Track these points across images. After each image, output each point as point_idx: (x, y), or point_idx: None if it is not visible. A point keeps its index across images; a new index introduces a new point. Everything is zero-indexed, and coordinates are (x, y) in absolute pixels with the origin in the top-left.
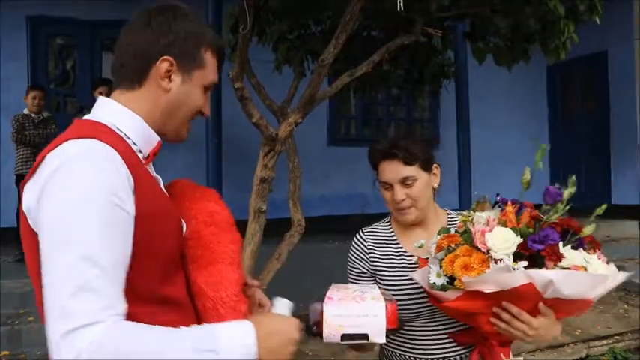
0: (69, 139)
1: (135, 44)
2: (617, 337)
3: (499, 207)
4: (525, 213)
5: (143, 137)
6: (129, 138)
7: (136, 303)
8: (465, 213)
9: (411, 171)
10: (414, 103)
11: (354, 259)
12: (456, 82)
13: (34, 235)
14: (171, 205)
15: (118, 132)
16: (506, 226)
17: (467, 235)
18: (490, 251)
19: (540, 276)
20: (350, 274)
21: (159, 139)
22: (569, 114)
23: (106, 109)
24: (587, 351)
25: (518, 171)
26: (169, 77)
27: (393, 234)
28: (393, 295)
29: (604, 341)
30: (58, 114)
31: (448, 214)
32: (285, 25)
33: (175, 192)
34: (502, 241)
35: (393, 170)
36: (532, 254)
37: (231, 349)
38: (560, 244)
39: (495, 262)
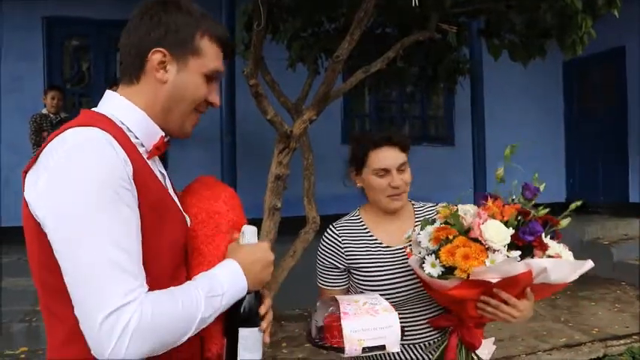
0: (70, 128)
1: (130, 41)
2: (636, 336)
3: (482, 202)
4: (510, 207)
5: (146, 131)
6: (131, 131)
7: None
8: (443, 204)
9: (405, 157)
10: (429, 101)
11: (327, 255)
12: (470, 79)
13: (37, 224)
14: (172, 199)
15: (121, 125)
16: (495, 219)
17: (459, 227)
18: (487, 242)
19: (537, 265)
20: (321, 269)
21: (162, 133)
22: (586, 111)
23: (110, 103)
24: (605, 350)
25: (533, 168)
26: (164, 68)
27: (364, 226)
28: (373, 286)
29: (622, 341)
30: (73, 114)
31: (413, 203)
32: (298, 23)
33: (191, 189)
34: (497, 232)
35: (392, 156)
36: (522, 244)
37: (230, 288)
38: (542, 235)
39: (493, 252)
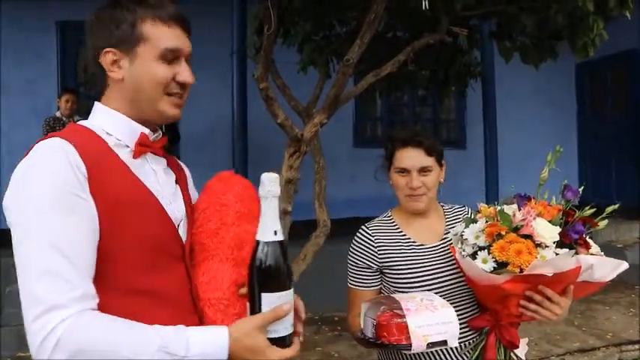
0: (40, 141)
1: (85, 55)
2: None
3: (523, 202)
4: (553, 208)
5: (126, 131)
6: (110, 135)
7: (106, 293)
8: (484, 205)
9: (430, 161)
10: (440, 104)
11: (360, 255)
12: (482, 81)
13: None
14: (149, 196)
15: (101, 131)
16: (543, 217)
17: (508, 224)
18: (539, 238)
19: (585, 261)
20: (354, 270)
21: (143, 130)
22: (599, 113)
23: (94, 113)
24: (620, 355)
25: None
26: (119, 66)
27: (397, 226)
28: (408, 284)
29: (637, 346)
30: (86, 117)
31: (442, 205)
32: (309, 26)
33: (206, 185)
34: (547, 229)
35: (415, 157)
36: (567, 242)
37: (200, 357)
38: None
39: (543, 249)
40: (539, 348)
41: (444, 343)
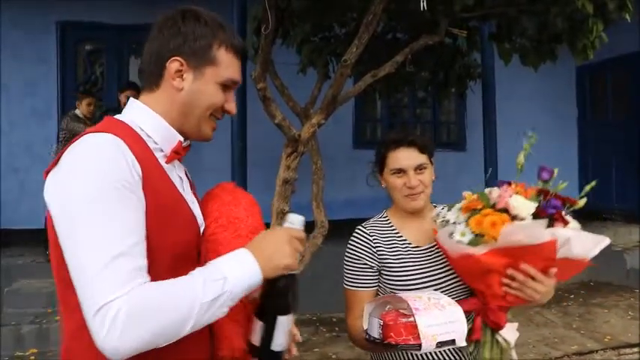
0: (89, 133)
1: (150, 49)
2: None
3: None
4: (531, 189)
5: (164, 135)
6: (149, 137)
7: None
8: (468, 192)
9: (424, 159)
10: (440, 106)
11: (360, 255)
12: (482, 84)
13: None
14: (184, 203)
15: (140, 131)
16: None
17: (486, 202)
18: (514, 209)
19: (562, 234)
20: (352, 271)
21: (180, 138)
22: (599, 116)
23: (131, 110)
24: (618, 358)
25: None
26: (181, 76)
27: (392, 226)
28: (402, 285)
29: (635, 349)
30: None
31: (435, 206)
32: (308, 27)
33: (212, 194)
34: (522, 203)
35: (410, 157)
36: (545, 217)
37: (233, 272)
38: (562, 211)
39: (519, 222)
40: (537, 350)
41: (453, 342)
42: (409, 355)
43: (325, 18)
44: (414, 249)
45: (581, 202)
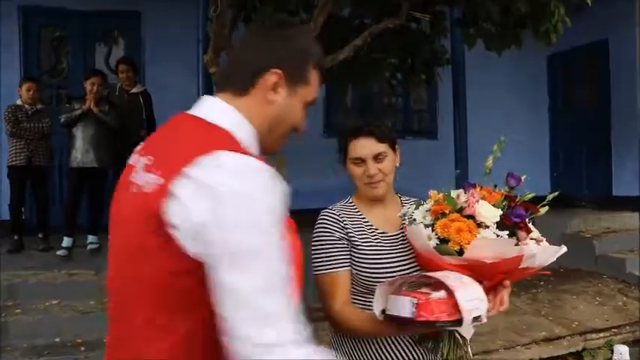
0: (216, 150)
1: (249, 54)
2: (615, 329)
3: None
4: (496, 193)
5: (255, 149)
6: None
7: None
8: (434, 191)
9: (383, 147)
10: (412, 94)
11: (331, 229)
12: (452, 71)
13: (167, 240)
14: None
15: (245, 146)
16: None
17: (452, 205)
18: (480, 217)
19: (528, 251)
20: (326, 252)
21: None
22: (570, 103)
23: (223, 114)
24: (584, 344)
25: (517, 160)
26: (276, 90)
27: (359, 211)
28: (372, 270)
29: (601, 334)
30: (50, 105)
31: (400, 196)
32: (269, 9)
33: None
34: (489, 210)
35: (368, 146)
36: (509, 225)
37: None
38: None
39: (484, 229)
40: (505, 338)
41: (479, 319)
42: (370, 346)
43: (287, 1)
44: (382, 235)
45: (543, 211)
